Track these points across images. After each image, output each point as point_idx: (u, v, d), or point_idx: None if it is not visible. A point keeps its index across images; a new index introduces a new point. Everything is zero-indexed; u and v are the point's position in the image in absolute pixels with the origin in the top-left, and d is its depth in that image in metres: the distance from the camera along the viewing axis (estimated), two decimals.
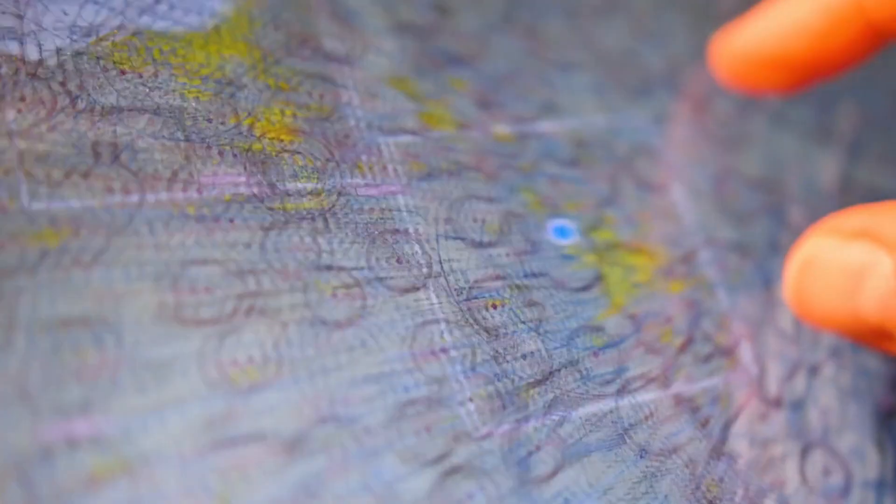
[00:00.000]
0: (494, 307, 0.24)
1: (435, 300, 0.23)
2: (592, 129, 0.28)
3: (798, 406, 0.25)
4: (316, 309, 0.22)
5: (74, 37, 0.22)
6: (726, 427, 0.24)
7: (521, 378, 0.23)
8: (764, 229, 0.29)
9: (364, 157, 0.24)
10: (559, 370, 0.23)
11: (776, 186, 0.29)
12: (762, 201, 0.29)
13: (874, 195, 0.30)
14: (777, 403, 0.25)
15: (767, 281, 0.28)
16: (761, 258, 0.28)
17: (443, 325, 0.23)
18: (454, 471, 0.21)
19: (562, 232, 0.26)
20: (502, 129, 0.27)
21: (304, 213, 0.23)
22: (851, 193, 0.30)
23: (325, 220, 0.23)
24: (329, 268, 0.22)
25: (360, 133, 0.24)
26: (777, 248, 0.28)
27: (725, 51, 0.21)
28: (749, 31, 0.20)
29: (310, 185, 0.23)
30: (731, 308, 0.27)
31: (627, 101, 0.29)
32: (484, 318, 0.23)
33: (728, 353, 0.26)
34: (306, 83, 0.25)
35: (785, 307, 0.27)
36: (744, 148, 0.30)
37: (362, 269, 0.23)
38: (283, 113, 0.24)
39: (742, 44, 0.20)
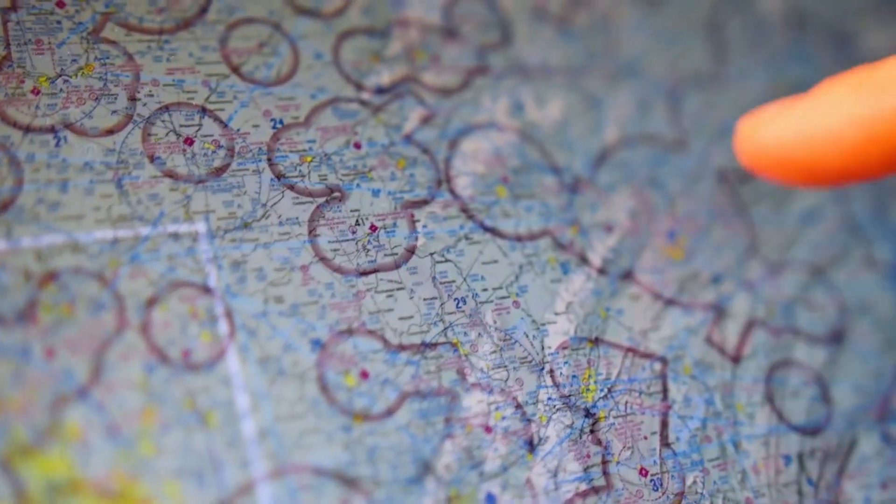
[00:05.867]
0: None
1: None
2: (80, 245, 0.20)
3: None
4: None
5: None
6: None
7: None
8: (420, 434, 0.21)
9: None
10: None
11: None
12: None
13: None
14: None
15: None
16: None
17: None
18: None
19: None
20: None
21: None
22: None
23: None
24: None
25: None
26: (479, 472, 0.20)
27: (750, 140, 0.22)
28: (776, 127, 0.22)
29: None
30: None
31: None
32: None
33: None
34: None
35: None
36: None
37: None
38: None
39: (767, 138, 0.22)
